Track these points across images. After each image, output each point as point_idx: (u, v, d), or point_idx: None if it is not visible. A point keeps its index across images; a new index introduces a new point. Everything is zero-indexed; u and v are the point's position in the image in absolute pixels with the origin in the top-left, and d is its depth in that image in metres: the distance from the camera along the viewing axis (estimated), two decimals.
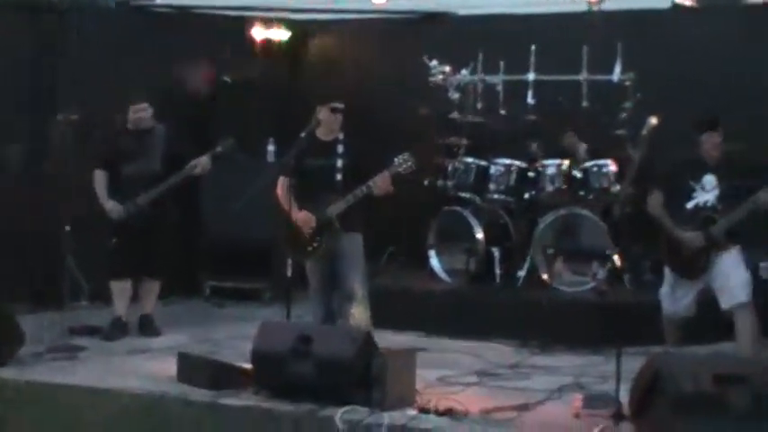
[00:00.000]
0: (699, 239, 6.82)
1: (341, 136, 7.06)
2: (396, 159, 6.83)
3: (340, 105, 7.02)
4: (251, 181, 8.94)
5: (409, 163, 6.83)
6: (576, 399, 6.02)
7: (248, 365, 6.22)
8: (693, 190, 6.96)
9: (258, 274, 9.68)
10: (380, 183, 6.79)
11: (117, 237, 8.05)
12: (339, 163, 6.96)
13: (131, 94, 8.22)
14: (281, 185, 7.13)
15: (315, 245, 6.96)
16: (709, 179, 6.93)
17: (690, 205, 6.98)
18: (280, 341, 6.04)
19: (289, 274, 6.82)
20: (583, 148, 8.77)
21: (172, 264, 8.40)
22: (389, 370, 5.75)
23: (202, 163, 8.03)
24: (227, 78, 9.92)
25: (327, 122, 7.00)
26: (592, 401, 5.90)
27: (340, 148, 7.01)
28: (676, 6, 9.51)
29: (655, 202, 7.08)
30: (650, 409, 5.22)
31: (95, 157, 8.22)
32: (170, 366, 6.67)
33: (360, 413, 5.60)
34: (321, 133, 7.06)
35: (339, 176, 6.95)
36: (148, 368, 6.99)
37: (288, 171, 7.05)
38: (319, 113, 7.01)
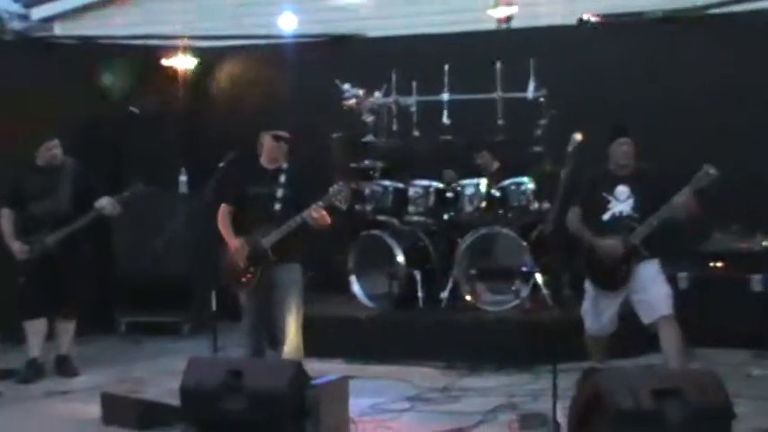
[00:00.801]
0: (618, 246, 6.84)
1: (284, 165, 6.98)
2: (330, 189, 6.75)
3: (283, 134, 6.96)
4: (163, 213, 8.85)
5: (344, 193, 6.75)
6: (512, 420, 6.03)
7: (176, 402, 6.00)
8: (608, 201, 7.00)
9: (175, 308, 9.53)
10: (314, 214, 6.70)
11: (26, 276, 7.87)
12: (279, 192, 6.87)
13: (40, 130, 8.06)
14: (221, 213, 7.02)
15: (249, 275, 6.86)
16: (622, 189, 6.98)
17: (606, 217, 7.01)
18: (209, 376, 5.88)
19: (213, 306, 6.72)
20: (496, 165, 8.83)
21: (86, 302, 8.20)
22: (323, 401, 5.67)
23: (109, 206, 7.88)
24: (134, 109, 9.73)
25: (269, 150, 6.94)
26: (528, 421, 5.94)
27: (282, 178, 6.93)
28: (582, 23, 9.62)
29: (571, 216, 7.12)
30: (590, 427, 5.21)
31: (2, 196, 8.01)
32: (93, 408, 6.57)
33: None
34: (264, 161, 7.00)
35: (278, 206, 6.85)
36: (70, 410, 6.87)
37: (228, 199, 6.98)
38: (262, 139, 6.96)
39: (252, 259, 6.82)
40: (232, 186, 6.96)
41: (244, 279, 6.85)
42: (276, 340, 6.91)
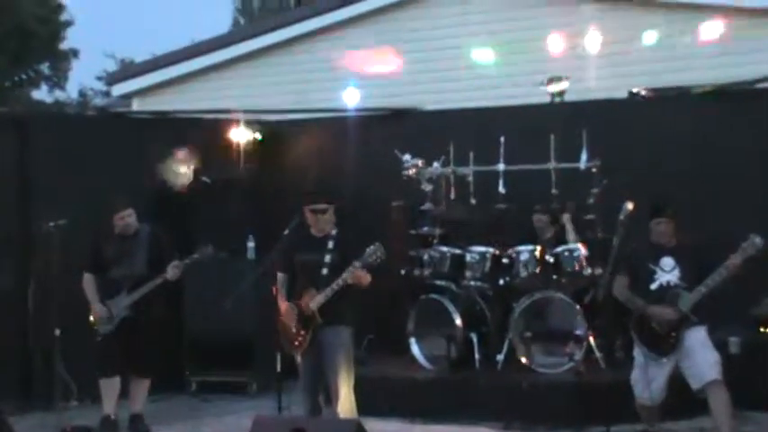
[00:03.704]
0: (671, 312, 7.00)
1: (333, 232, 7.26)
2: (366, 250, 7.01)
3: (321, 206, 7.21)
4: (232, 277, 9.20)
5: (378, 253, 6.99)
6: None
7: None
8: (654, 272, 7.18)
9: (242, 368, 9.78)
10: (353, 275, 6.97)
11: (103, 336, 8.23)
12: (327, 258, 7.13)
13: (116, 200, 8.46)
14: (279, 281, 7.34)
15: (300, 339, 7.10)
16: (667, 261, 7.18)
17: (654, 286, 7.20)
18: None
19: (278, 367, 6.99)
20: (551, 231, 9.05)
21: (159, 361, 8.52)
22: None
23: (170, 271, 8.21)
24: (206, 179, 10.15)
25: (312, 222, 7.23)
26: None
27: (330, 244, 7.18)
28: (633, 95, 9.90)
29: (619, 285, 7.31)
30: None
31: (84, 262, 8.43)
32: None
33: None
34: (313, 230, 7.29)
35: (326, 271, 7.09)
36: None
37: (283, 267, 7.28)
38: (305, 213, 7.25)
39: (301, 322, 7.08)
40: (284, 255, 7.27)
41: (296, 342, 7.09)
42: (328, 402, 7.13)
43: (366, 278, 7.05)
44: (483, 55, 11.57)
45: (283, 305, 7.18)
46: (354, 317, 7.22)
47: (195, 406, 9.53)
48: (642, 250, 7.33)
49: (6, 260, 9.55)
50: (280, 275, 7.32)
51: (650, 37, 11.00)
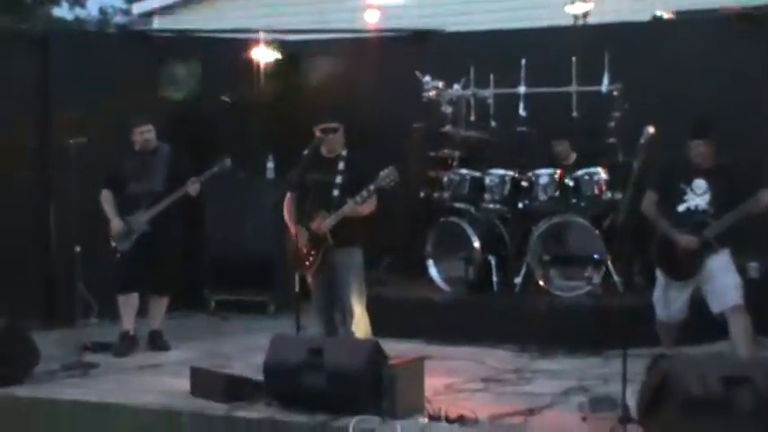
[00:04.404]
0: (693, 242, 6.94)
1: (343, 152, 7.24)
2: (380, 173, 6.97)
3: (331, 125, 7.19)
4: (251, 198, 9.24)
5: (392, 176, 6.96)
6: (583, 402, 6.16)
7: (260, 378, 6.40)
8: (685, 193, 7.08)
9: (261, 288, 9.86)
10: (352, 208, 6.96)
11: (122, 252, 8.28)
12: (338, 179, 7.13)
13: (136, 115, 8.46)
14: (287, 201, 7.33)
15: (311, 259, 7.12)
16: (700, 183, 7.06)
17: (681, 208, 7.10)
18: (291, 354, 6.24)
19: (296, 287, 7.02)
20: (573, 157, 9.02)
21: (177, 279, 8.61)
22: (399, 379, 5.92)
23: (190, 185, 8.24)
24: (226, 98, 10.11)
25: (323, 142, 7.21)
26: (598, 404, 6.03)
27: (341, 165, 7.18)
28: (656, 19, 9.75)
29: (648, 201, 7.21)
30: (658, 412, 5.34)
31: (102, 178, 8.46)
32: (182, 381, 6.84)
33: (372, 422, 5.79)
34: (324, 150, 7.26)
35: (337, 192, 7.10)
36: (161, 383, 7.15)
37: (292, 187, 7.27)
38: (315, 133, 7.23)
39: (312, 243, 7.08)
40: (295, 175, 7.20)
41: (306, 263, 7.09)
42: (342, 323, 7.18)
43: (364, 210, 7.04)
44: None
45: (294, 227, 7.18)
46: (367, 237, 7.21)
47: (214, 324, 9.65)
48: (677, 167, 7.22)
49: (27, 178, 9.59)
50: (289, 195, 7.31)
51: None
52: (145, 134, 8.35)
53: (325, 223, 7.01)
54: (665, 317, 7.21)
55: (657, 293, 7.23)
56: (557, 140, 9.02)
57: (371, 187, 6.96)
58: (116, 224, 8.28)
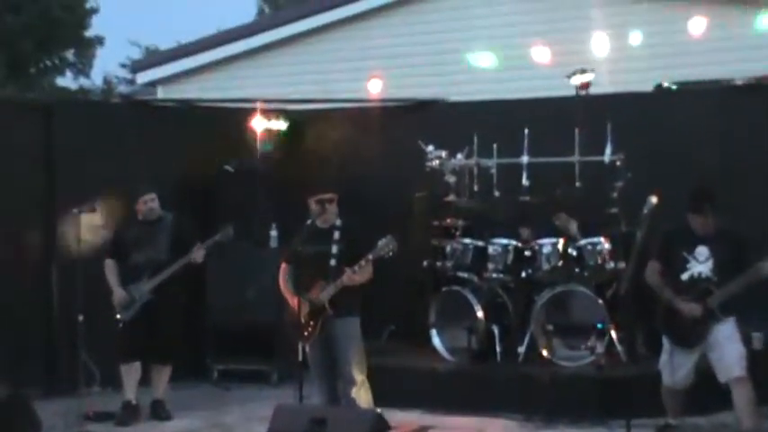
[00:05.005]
0: (697, 310, 6.98)
1: (338, 222, 7.33)
2: (379, 243, 7.06)
3: (326, 196, 7.29)
4: (254, 266, 9.23)
5: (391, 246, 7.06)
6: None
7: None
8: (687, 261, 7.13)
9: (264, 357, 9.82)
10: (349, 277, 7.03)
11: (124, 321, 8.29)
12: (334, 249, 7.20)
13: (139, 185, 8.54)
14: (282, 271, 7.43)
15: (310, 330, 7.18)
16: (702, 250, 7.11)
17: (685, 276, 7.15)
18: (294, 424, 6.26)
19: (300, 357, 7.03)
20: (574, 225, 9.03)
21: (180, 348, 8.61)
22: None
23: (194, 253, 8.28)
24: (229, 167, 10.18)
25: (317, 213, 7.29)
26: None
27: (336, 235, 7.26)
28: (660, 89, 9.84)
29: (651, 270, 7.26)
30: None
31: (106, 247, 8.47)
32: None
33: None
34: (319, 221, 7.36)
35: (333, 262, 7.18)
36: None
37: (288, 258, 7.33)
38: (311, 205, 7.32)
39: (311, 313, 7.15)
40: (296, 244, 7.30)
41: (305, 333, 7.15)
42: (344, 393, 7.21)
43: (358, 278, 7.09)
44: (507, 48, 11.50)
45: (293, 298, 7.21)
46: (365, 306, 7.30)
47: (217, 394, 9.60)
48: (678, 235, 7.27)
49: (31, 246, 9.60)
50: (284, 266, 7.37)
51: (678, 30, 10.90)
52: (149, 203, 8.43)
53: (323, 293, 7.08)
54: (671, 382, 7.22)
55: (664, 359, 7.26)
56: (555, 215, 9.05)
57: (369, 257, 7.03)
58: (119, 294, 8.33)
